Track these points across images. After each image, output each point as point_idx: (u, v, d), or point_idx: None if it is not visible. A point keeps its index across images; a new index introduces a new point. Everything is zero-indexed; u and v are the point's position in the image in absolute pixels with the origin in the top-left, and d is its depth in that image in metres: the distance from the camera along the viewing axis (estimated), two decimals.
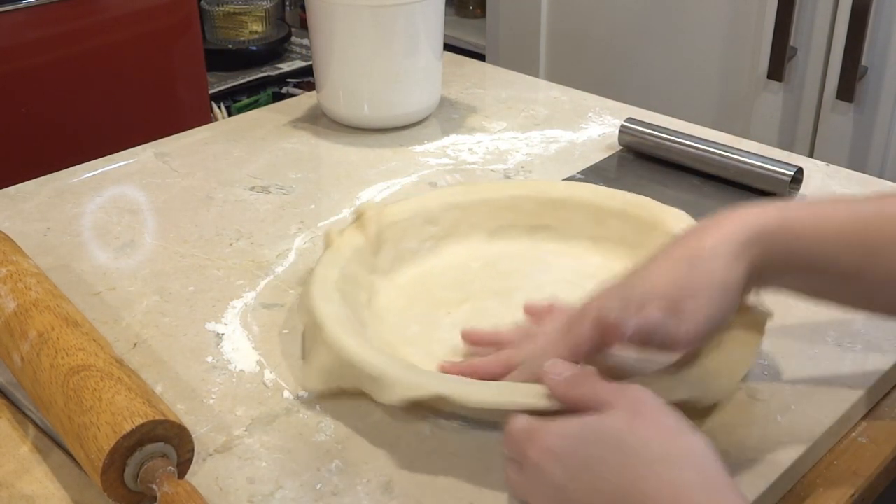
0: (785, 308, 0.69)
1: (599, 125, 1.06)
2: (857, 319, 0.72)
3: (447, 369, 0.64)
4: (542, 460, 0.51)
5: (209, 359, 0.69)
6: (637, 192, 0.91)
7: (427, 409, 0.62)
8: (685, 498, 0.47)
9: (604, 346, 0.59)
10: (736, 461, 0.59)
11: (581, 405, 0.53)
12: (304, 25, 2.24)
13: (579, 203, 0.81)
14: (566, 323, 0.61)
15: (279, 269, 0.80)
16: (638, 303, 0.57)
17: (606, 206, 0.80)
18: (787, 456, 0.60)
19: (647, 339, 0.57)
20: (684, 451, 0.49)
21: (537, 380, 0.58)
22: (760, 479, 0.58)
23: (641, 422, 0.50)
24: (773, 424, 0.62)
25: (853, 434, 0.64)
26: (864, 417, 0.66)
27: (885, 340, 0.70)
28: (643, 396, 0.52)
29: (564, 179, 0.94)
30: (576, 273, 0.77)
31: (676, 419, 0.51)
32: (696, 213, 0.88)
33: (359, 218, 0.76)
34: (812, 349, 0.69)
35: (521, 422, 0.54)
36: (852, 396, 0.64)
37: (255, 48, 2.10)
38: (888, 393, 0.68)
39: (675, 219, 0.77)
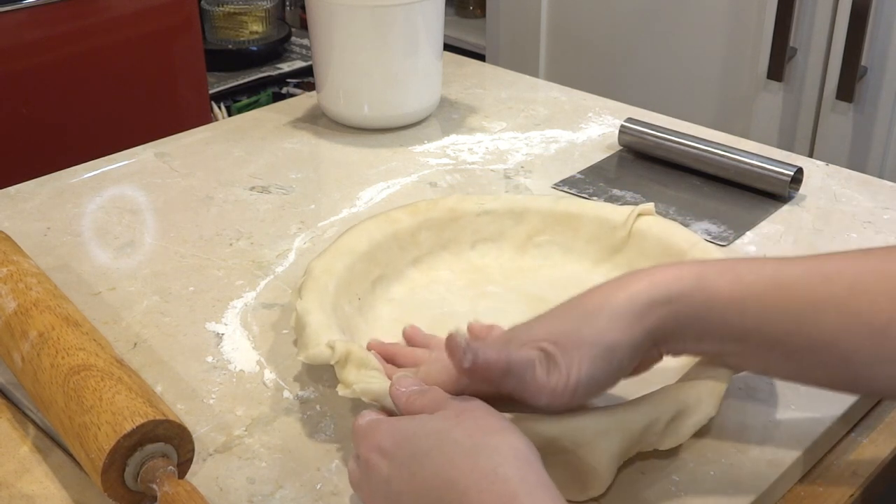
0: None
1: (599, 125, 1.06)
2: None
3: (373, 345, 0.66)
4: (372, 456, 0.52)
5: (209, 359, 0.69)
6: (637, 192, 0.92)
7: None
8: (501, 488, 0.47)
9: (488, 387, 0.56)
10: (736, 461, 0.59)
11: (421, 413, 0.54)
12: (304, 25, 2.24)
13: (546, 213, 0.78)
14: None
15: (279, 269, 0.80)
16: (519, 343, 0.55)
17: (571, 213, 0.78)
18: (787, 456, 0.60)
19: (509, 382, 0.54)
20: (504, 446, 0.49)
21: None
22: (760, 479, 0.58)
23: (465, 418, 0.51)
24: (773, 424, 0.62)
25: (853, 434, 0.64)
26: (864, 418, 0.66)
27: None
28: (473, 402, 0.53)
29: (564, 179, 0.94)
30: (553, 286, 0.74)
31: (503, 422, 0.51)
32: (695, 212, 0.88)
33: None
34: None
35: (363, 418, 0.55)
36: (852, 396, 0.64)
37: (255, 48, 2.10)
38: None
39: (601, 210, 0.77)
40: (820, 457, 0.62)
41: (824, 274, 0.54)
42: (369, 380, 0.59)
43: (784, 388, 0.65)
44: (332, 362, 0.60)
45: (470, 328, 0.66)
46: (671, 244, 0.73)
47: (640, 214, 0.76)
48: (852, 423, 0.65)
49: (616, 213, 0.77)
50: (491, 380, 0.55)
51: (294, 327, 0.66)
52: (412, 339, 0.68)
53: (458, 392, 0.56)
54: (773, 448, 0.60)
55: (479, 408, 0.53)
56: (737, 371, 0.59)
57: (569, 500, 0.52)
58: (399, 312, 0.72)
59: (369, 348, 0.65)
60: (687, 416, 0.57)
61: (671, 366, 0.61)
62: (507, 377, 0.54)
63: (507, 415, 0.54)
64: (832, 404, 0.64)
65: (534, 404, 0.55)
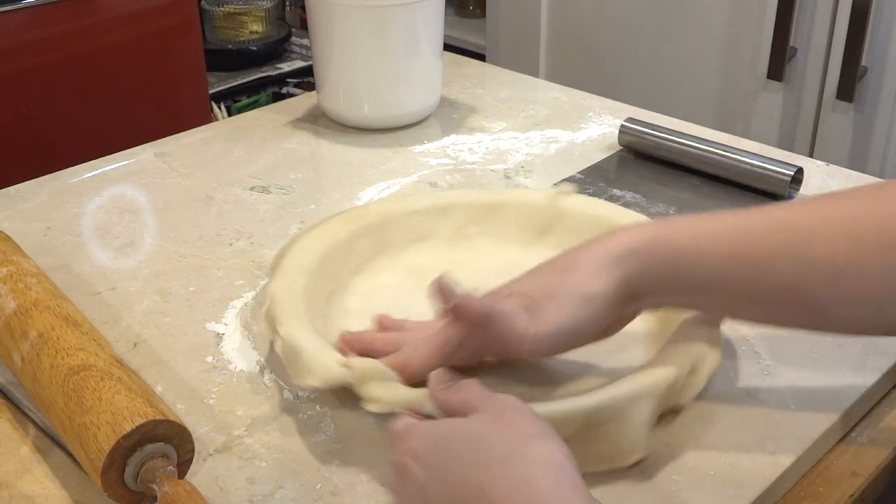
0: None
1: (599, 125, 1.06)
2: None
3: (346, 339, 0.65)
4: (407, 461, 0.51)
5: (209, 359, 0.69)
6: (637, 192, 0.92)
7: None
8: (534, 498, 0.46)
9: (473, 344, 0.60)
10: (736, 461, 0.59)
11: (456, 412, 0.53)
12: (304, 25, 2.24)
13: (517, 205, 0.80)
14: (445, 324, 0.62)
15: None
16: (500, 297, 0.59)
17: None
18: (787, 456, 0.60)
19: (490, 330, 0.58)
20: (540, 454, 0.48)
21: (407, 363, 0.60)
22: (760, 479, 0.58)
23: (501, 425, 0.50)
24: (773, 424, 0.62)
25: (853, 434, 0.64)
26: (864, 417, 0.66)
27: (885, 341, 0.69)
28: (510, 403, 0.52)
29: (564, 179, 0.94)
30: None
31: (540, 426, 0.50)
32: (695, 212, 0.88)
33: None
34: (812, 349, 0.69)
35: (398, 423, 0.54)
36: (852, 397, 0.64)
37: (255, 48, 2.10)
38: (888, 393, 0.68)
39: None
40: (820, 456, 0.62)
41: (782, 223, 0.57)
42: (396, 390, 0.58)
43: (784, 388, 0.65)
44: (353, 381, 0.59)
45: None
46: (598, 217, 0.76)
47: (566, 193, 0.79)
48: (852, 423, 0.65)
49: (538, 196, 0.80)
50: (474, 325, 0.57)
51: (283, 355, 0.63)
52: (385, 325, 0.68)
53: (444, 361, 0.59)
54: (773, 448, 0.60)
55: (516, 410, 0.52)
56: (714, 319, 0.63)
57: (613, 471, 0.57)
58: (361, 323, 0.70)
59: (343, 340, 0.65)
60: (700, 368, 0.61)
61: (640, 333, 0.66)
62: (490, 325, 0.57)
63: (541, 407, 0.55)
64: (832, 404, 0.64)
65: (516, 354, 0.58)
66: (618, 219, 0.75)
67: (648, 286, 0.59)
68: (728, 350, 0.69)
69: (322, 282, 0.71)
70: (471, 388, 0.54)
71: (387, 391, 0.58)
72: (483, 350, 0.61)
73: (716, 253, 0.57)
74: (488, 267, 0.76)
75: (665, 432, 0.61)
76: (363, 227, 0.76)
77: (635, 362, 0.64)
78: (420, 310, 0.70)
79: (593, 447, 0.57)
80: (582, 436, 0.57)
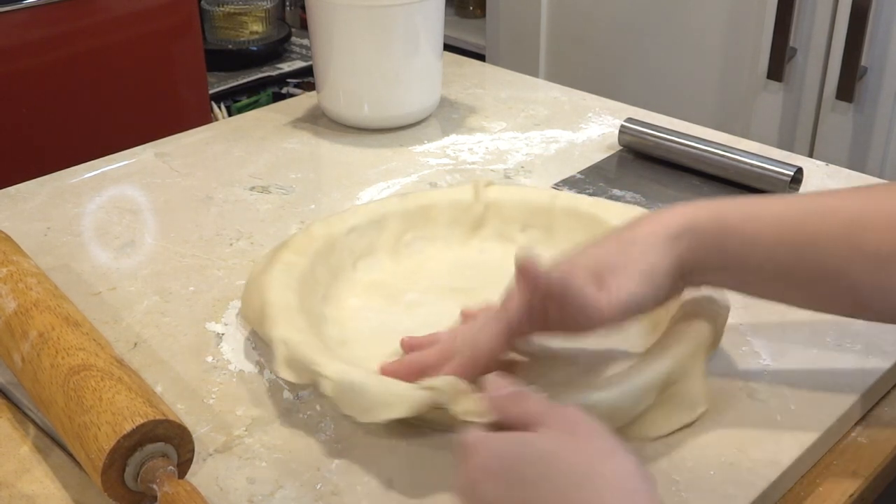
0: (785, 308, 0.69)
1: (599, 125, 1.06)
2: (858, 320, 0.71)
3: (388, 370, 0.63)
4: (476, 477, 0.50)
5: (209, 359, 0.69)
6: (637, 192, 0.92)
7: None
8: None
9: (539, 317, 0.60)
10: (736, 461, 0.59)
11: (518, 423, 0.52)
12: (304, 25, 2.24)
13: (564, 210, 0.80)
14: (500, 305, 0.62)
15: None
16: (566, 270, 0.60)
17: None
18: (787, 456, 0.60)
19: (566, 301, 0.58)
20: (615, 474, 0.48)
21: (475, 360, 0.60)
22: (760, 479, 0.58)
23: (573, 442, 0.49)
24: (773, 424, 0.62)
25: (853, 434, 0.64)
26: (864, 417, 0.66)
27: (885, 341, 0.70)
28: (578, 417, 0.51)
29: (564, 180, 0.94)
30: None
31: (610, 441, 0.50)
32: None
33: None
34: (812, 349, 0.69)
35: (469, 436, 0.52)
36: (852, 396, 0.64)
37: (255, 48, 2.10)
38: (888, 393, 0.68)
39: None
40: (820, 456, 0.62)
41: (831, 209, 0.59)
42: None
43: (784, 388, 0.65)
44: (445, 401, 0.57)
45: (464, 312, 0.69)
46: (529, 201, 0.80)
47: (487, 185, 0.81)
48: (852, 422, 0.65)
49: (464, 192, 0.81)
50: (548, 297, 0.59)
51: (336, 395, 0.60)
52: (416, 344, 0.67)
53: (511, 336, 0.61)
54: (773, 448, 0.60)
55: (587, 425, 0.50)
56: (758, 297, 0.65)
57: (686, 426, 0.61)
58: (353, 350, 0.69)
59: (388, 373, 0.63)
60: (718, 323, 0.65)
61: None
62: (565, 297, 0.58)
63: (624, 384, 0.58)
64: (832, 404, 0.64)
65: (585, 324, 0.60)
66: (546, 202, 0.79)
67: (700, 264, 0.61)
68: (728, 350, 0.69)
69: (304, 316, 0.68)
70: (533, 399, 0.53)
71: (476, 402, 0.56)
72: (549, 323, 0.61)
73: (765, 236, 0.59)
74: (438, 269, 0.78)
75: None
76: (316, 254, 0.74)
77: (634, 341, 0.68)
78: (407, 323, 0.71)
79: (668, 409, 0.61)
80: (658, 401, 0.61)
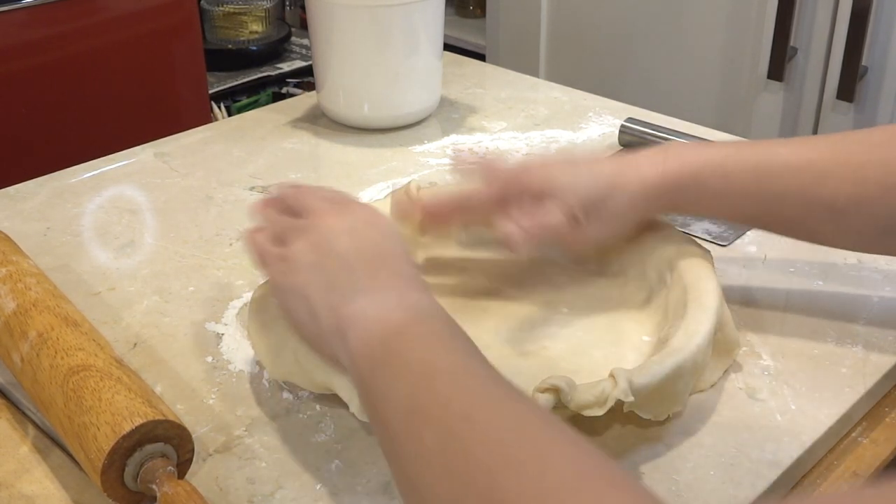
0: (785, 308, 0.69)
1: (599, 125, 1.06)
2: (858, 320, 0.72)
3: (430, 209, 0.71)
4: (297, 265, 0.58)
5: (209, 359, 0.69)
6: None
7: None
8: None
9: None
10: (736, 461, 0.59)
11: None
12: (304, 25, 2.24)
13: None
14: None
15: None
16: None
17: None
18: (787, 456, 0.60)
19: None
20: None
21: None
22: (760, 479, 0.58)
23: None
24: (773, 424, 0.62)
25: (853, 434, 0.64)
26: (864, 417, 0.66)
27: (885, 340, 0.70)
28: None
29: None
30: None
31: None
32: None
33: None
34: (812, 349, 0.69)
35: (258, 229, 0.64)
36: (852, 396, 0.64)
37: (255, 48, 2.10)
38: (888, 393, 0.68)
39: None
40: (820, 457, 0.62)
41: (798, 165, 0.65)
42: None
43: (784, 388, 0.65)
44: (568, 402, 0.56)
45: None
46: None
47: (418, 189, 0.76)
48: (852, 423, 0.65)
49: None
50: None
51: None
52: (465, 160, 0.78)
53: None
54: (773, 448, 0.60)
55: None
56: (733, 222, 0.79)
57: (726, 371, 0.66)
58: None
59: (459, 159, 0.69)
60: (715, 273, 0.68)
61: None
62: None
63: (662, 363, 0.58)
64: (832, 404, 0.64)
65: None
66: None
67: (675, 210, 0.72)
68: None
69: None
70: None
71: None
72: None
73: (732, 191, 0.66)
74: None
75: (665, 432, 0.61)
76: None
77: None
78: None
79: (714, 358, 0.64)
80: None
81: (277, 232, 0.61)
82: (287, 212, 0.62)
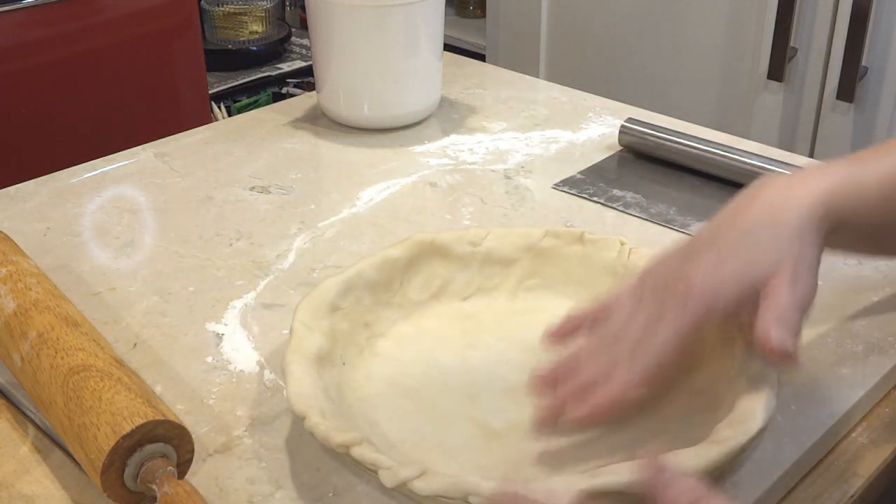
0: None
1: (599, 125, 1.06)
2: (858, 320, 0.72)
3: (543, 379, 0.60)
4: None
5: (209, 359, 0.69)
6: (637, 193, 0.92)
7: None
8: None
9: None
10: (736, 461, 0.59)
11: None
12: (304, 25, 2.24)
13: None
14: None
15: (279, 270, 0.80)
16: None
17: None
18: (787, 456, 0.60)
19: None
20: None
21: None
22: (760, 479, 0.58)
23: None
24: (773, 424, 0.62)
25: (853, 434, 0.64)
26: (864, 417, 0.66)
27: (885, 340, 0.70)
28: None
29: (564, 180, 0.94)
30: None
31: None
32: (696, 213, 0.88)
33: None
34: (812, 349, 0.69)
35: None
36: (852, 396, 0.64)
37: (255, 48, 2.10)
38: (888, 393, 0.68)
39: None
40: (820, 457, 0.62)
41: None
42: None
43: (784, 388, 0.65)
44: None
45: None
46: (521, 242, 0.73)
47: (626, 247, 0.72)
48: (852, 423, 0.65)
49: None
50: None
51: None
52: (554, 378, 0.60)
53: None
54: (773, 448, 0.60)
55: None
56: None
57: None
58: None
59: (543, 382, 0.59)
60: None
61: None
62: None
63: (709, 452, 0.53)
64: (832, 404, 0.64)
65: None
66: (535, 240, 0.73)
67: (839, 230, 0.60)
68: None
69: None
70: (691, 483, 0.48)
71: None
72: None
73: (880, 210, 0.59)
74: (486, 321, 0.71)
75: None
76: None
77: None
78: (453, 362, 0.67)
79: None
80: None
81: None
82: None
